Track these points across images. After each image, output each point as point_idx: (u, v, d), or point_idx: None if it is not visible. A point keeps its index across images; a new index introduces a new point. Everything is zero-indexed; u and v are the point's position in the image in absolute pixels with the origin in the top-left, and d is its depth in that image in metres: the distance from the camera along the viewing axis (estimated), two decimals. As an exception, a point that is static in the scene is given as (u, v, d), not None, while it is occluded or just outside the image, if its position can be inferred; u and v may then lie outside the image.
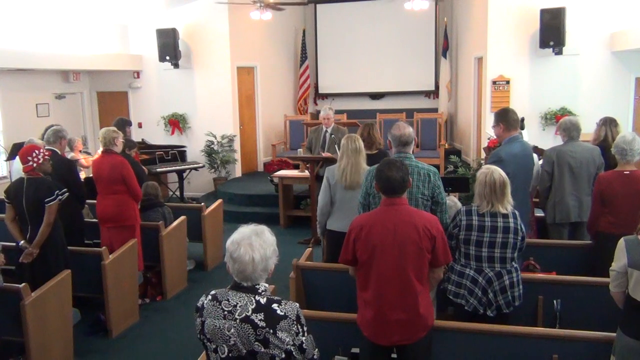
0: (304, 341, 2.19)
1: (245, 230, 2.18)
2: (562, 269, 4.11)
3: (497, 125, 4.30)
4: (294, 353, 2.16)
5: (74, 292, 4.36)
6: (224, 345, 2.15)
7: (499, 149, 4.26)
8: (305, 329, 2.20)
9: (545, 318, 3.68)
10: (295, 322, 2.16)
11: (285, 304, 2.18)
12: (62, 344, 4.19)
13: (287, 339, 2.13)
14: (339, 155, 4.54)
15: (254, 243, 2.14)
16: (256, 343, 2.11)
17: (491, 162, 3.98)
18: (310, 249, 4.52)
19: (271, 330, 2.11)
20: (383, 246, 2.88)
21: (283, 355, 2.15)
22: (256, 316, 2.12)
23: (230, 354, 2.16)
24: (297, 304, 2.23)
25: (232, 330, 2.12)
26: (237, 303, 2.15)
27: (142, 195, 5.43)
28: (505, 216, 3.31)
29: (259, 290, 2.17)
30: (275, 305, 2.15)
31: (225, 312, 2.15)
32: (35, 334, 3.90)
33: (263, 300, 2.15)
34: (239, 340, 2.12)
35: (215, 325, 2.16)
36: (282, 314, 2.14)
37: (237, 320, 2.12)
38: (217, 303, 2.18)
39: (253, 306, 2.13)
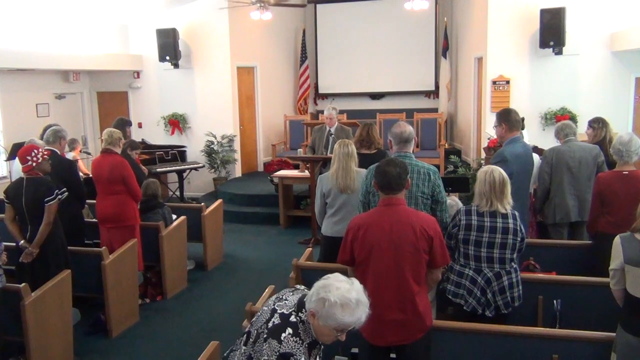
0: None
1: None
2: (562, 269, 4.11)
3: (500, 125, 4.29)
4: None
5: (74, 292, 4.36)
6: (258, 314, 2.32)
7: (502, 149, 4.25)
8: None
9: (545, 318, 3.68)
10: (278, 355, 2.10)
11: (295, 341, 2.13)
12: (62, 344, 4.19)
13: (265, 356, 2.12)
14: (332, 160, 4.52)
15: (340, 285, 2.10)
16: (258, 331, 2.21)
17: (495, 162, 3.97)
18: (310, 249, 4.52)
19: (265, 336, 2.16)
20: (380, 246, 2.87)
21: None
22: (277, 318, 2.18)
23: (250, 327, 2.31)
24: (303, 356, 2.14)
25: (265, 309, 2.28)
26: (288, 300, 2.26)
27: (142, 195, 5.43)
28: (504, 216, 3.31)
29: (299, 312, 2.19)
30: (289, 330, 2.14)
31: (279, 297, 2.30)
32: (35, 334, 3.90)
33: (292, 319, 2.17)
34: (259, 318, 2.26)
35: (269, 300, 2.34)
36: (282, 339, 2.12)
37: (271, 307, 2.26)
38: (289, 290, 2.37)
39: (285, 313, 2.19)
